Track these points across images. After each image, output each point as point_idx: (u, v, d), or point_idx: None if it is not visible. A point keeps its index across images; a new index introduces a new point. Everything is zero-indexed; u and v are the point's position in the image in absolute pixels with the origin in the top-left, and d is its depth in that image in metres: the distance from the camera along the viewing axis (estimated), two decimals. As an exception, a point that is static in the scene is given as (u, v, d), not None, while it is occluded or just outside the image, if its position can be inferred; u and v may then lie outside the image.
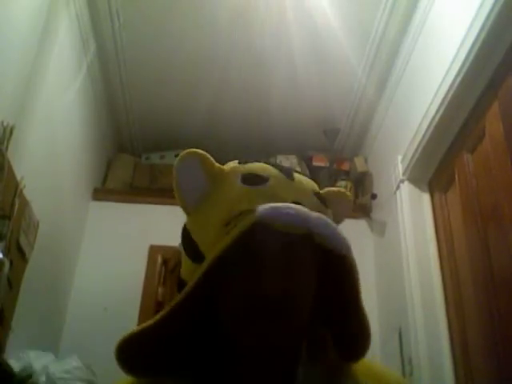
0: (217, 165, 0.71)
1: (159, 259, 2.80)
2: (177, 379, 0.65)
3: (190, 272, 0.69)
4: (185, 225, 0.73)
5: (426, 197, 2.28)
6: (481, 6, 1.62)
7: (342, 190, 0.82)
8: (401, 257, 2.24)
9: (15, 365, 1.79)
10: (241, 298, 0.63)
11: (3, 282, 1.66)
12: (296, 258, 0.64)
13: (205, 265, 0.63)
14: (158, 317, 0.64)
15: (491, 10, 1.55)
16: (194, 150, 0.71)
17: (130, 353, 0.64)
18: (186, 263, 0.72)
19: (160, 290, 2.72)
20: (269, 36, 2.47)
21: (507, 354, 1.54)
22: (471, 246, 1.83)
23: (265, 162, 0.73)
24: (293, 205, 0.63)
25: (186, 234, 0.72)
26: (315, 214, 0.63)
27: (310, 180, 0.74)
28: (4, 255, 1.65)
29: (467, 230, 1.87)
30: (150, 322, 0.64)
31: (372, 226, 2.90)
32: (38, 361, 1.88)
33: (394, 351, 2.19)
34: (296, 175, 0.72)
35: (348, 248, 0.65)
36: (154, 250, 2.82)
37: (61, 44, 2.16)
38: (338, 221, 0.74)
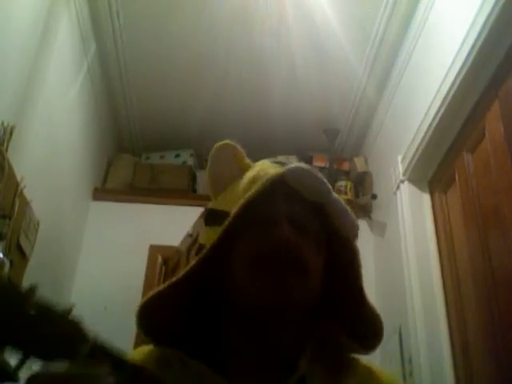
0: (246, 159, 0.76)
1: (159, 259, 2.80)
2: (189, 355, 0.66)
3: (211, 236, 0.69)
4: (208, 207, 0.75)
5: (426, 197, 2.28)
6: (481, 6, 1.62)
7: None
8: (401, 257, 2.24)
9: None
10: (252, 250, 0.65)
11: (3, 282, 1.66)
12: (306, 221, 0.67)
13: (226, 222, 0.65)
14: (176, 277, 0.66)
15: (492, 11, 1.55)
16: (229, 142, 0.76)
17: (149, 316, 0.67)
18: (208, 231, 0.72)
19: (160, 289, 2.72)
20: (269, 36, 2.47)
21: (507, 354, 1.53)
22: (471, 246, 1.82)
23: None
24: (318, 173, 0.67)
25: (209, 209, 0.73)
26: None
27: None
28: (4, 255, 1.65)
29: (467, 230, 1.87)
30: (169, 281, 0.67)
31: (372, 226, 2.90)
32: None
33: (394, 351, 2.19)
34: None
35: (354, 233, 0.69)
36: (154, 250, 2.82)
37: (61, 44, 2.16)
38: None
